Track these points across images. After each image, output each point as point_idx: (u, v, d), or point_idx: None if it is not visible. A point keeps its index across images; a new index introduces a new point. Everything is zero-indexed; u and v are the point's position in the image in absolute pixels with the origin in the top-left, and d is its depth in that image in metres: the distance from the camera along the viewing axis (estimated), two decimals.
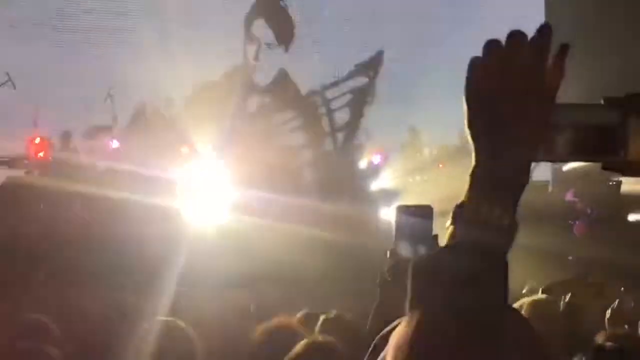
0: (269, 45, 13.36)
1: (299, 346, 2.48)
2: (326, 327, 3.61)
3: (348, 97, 13.44)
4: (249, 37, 13.30)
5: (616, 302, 5.14)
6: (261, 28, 13.39)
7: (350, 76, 13.45)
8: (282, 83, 13.26)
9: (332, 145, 13.26)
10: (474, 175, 1.18)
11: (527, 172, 1.19)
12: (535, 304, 4.37)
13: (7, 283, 6.29)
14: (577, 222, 11.42)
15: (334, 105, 13.43)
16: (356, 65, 13.40)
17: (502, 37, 1.17)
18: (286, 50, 13.45)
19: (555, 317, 4.28)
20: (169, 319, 3.35)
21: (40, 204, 11.11)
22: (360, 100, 13.42)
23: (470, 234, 1.15)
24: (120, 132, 12.03)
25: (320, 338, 2.58)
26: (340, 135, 13.37)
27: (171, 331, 3.20)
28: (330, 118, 13.41)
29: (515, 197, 1.17)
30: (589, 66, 10.29)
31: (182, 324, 3.27)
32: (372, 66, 13.42)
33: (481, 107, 1.17)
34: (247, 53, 13.28)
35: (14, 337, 3.40)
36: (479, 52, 1.17)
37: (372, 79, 13.41)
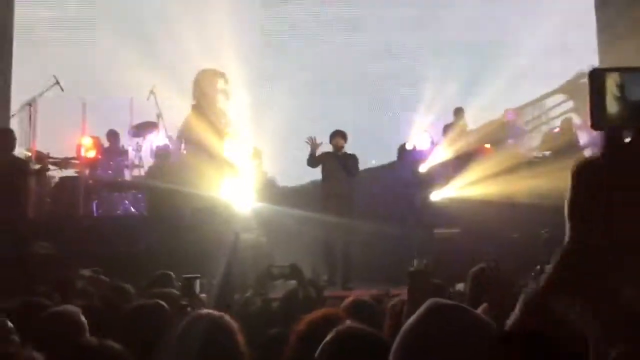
0: None
1: (330, 336, 2.37)
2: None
3: None
4: None
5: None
6: None
7: None
8: None
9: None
10: None
11: None
12: None
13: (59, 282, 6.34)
14: None
15: None
16: None
17: None
18: None
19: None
20: (213, 311, 3.32)
21: (92, 203, 11.25)
22: None
23: None
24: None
25: (352, 325, 2.45)
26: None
27: (214, 323, 3.16)
28: None
29: None
30: None
31: (226, 316, 3.24)
32: None
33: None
34: None
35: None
36: None
37: None
